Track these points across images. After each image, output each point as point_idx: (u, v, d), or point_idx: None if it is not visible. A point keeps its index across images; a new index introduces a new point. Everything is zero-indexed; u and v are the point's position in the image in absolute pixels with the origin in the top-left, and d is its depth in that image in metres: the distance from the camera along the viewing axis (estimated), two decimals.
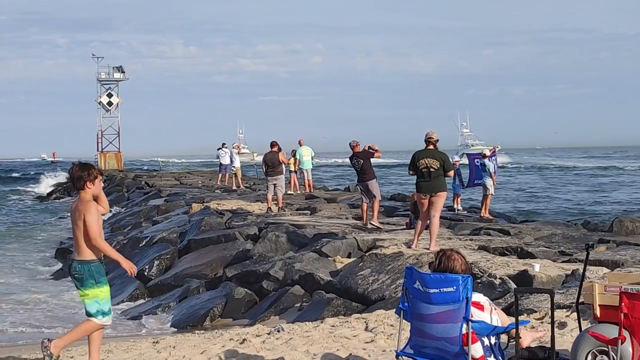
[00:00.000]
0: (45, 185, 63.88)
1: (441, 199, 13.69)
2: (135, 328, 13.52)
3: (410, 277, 5.90)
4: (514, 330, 5.91)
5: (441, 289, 5.65)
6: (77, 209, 7.34)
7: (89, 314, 7.51)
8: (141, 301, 15.78)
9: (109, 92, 70.82)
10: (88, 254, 7.35)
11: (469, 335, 5.60)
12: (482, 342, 5.78)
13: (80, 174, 7.40)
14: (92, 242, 7.28)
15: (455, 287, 5.61)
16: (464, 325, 5.61)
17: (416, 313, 5.83)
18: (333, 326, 9.61)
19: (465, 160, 24.38)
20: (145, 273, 17.19)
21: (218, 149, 36.84)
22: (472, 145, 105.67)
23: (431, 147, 13.70)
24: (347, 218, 20.12)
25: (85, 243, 7.31)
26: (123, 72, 71.46)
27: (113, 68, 71.13)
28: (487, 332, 5.74)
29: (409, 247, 13.62)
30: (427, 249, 13.17)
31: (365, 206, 17.57)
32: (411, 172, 13.93)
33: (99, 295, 7.44)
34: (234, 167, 35.01)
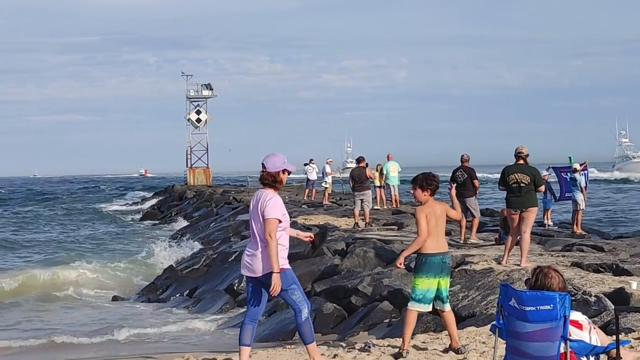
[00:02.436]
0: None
1: (532, 215, 13.46)
2: (225, 342, 13.68)
3: (505, 294, 5.82)
4: (614, 350, 5.76)
5: (538, 307, 5.55)
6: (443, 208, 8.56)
7: (442, 300, 8.69)
8: (231, 315, 15.96)
9: (198, 109, 72.03)
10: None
11: (567, 355, 5.49)
12: None
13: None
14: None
15: (552, 305, 5.50)
16: (562, 345, 5.50)
17: (512, 331, 5.74)
18: (423, 342, 9.55)
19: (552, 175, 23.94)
20: (235, 287, 17.39)
21: (305, 165, 37.06)
22: (633, 158, 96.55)
23: (521, 161, 13.50)
24: None
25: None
26: (211, 89, 72.62)
27: (201, 85, 72.36)
28: (586, 351, 5.62)
29: (499, 263, 13.42)
30: (518, 265, 12.95)
31: (464, 222, 17.33)
32: (501, 187, 13.74)
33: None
34: (325, 181, 35.14)
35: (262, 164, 7.97)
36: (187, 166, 72.74)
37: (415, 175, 8.71)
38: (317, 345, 10.08)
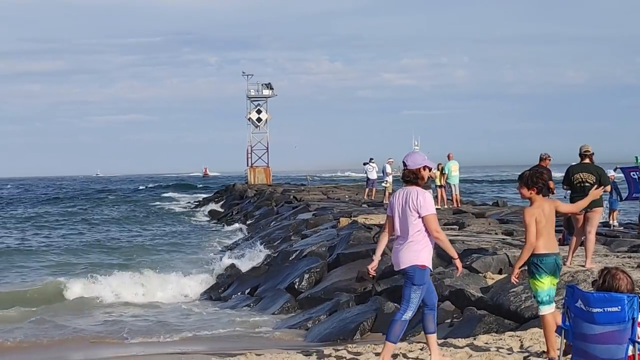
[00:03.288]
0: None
1: (597, 215, 13.25)
2: (288, 339, 13.77)
3: (571, 296, 5.76)
4: None
5: (605, 309, 5.48)
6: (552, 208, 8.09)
7: (543, 303, 8.12)
8: (292, 314, 16.06)
9: (258, 109, 72.55)
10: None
11: (635, 358, 5.40)
12: None
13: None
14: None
15: (620, 307, 5.43)
16: (631, 347, 5.42)
17: (578, 333, 5.68)
18: (486, 343, 9.48)
19: (620, 175, 23.47)
20: (296, 286, 17.48)
21: (365, 164, 37.08)
22: None
23: (587, 160, 13.31)
24: (496, 233, 19.78)
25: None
26: (272, 88, 73.10)
27: (262, 85, 72.90)
28: None
29: (564, 264, 13.23)
30: (583, 266, 12.77)
31: None
32: (565, 187, 13.55)
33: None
34: (386, 181, 35.12)
35: (403, 162, 8.26)
36: (247, 165, 73.34)
37: (522, 171, 8.33)
38: (379, 344, 10.11)
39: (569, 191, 13.75)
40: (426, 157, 8.32)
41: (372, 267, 8.54)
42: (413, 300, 8.13)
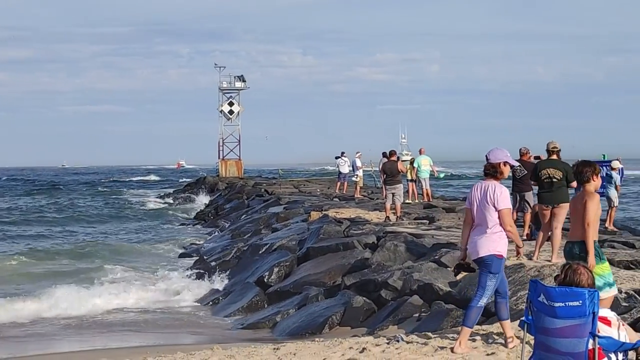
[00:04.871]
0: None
1: (563, 211, 13.37)
2: (254, 334, 13.79)
3: (534, 290, 5.82)
4: None
5: (567, 303, 5.55)
6: (582, 198, 8.37)
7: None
8: (260, 308, 16.06)
9: (231, 101, 72.31)
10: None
11: (595, 351, 5.48)
12: (609, 359, 5.64)
13: (584, 168, 8.50)
14: (583, 223, 8.27)
15: (581, 301, 5.50)
16: (591, 341, 5.50)
17: (540, 327, 5.75)
18: (453, 337, 9.54)
19: None
20: (265, 280, 17.49)
21: (336, 158, 37.14)
22: None
23: (554, 157, 13.43)
24: None
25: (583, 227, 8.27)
26: (244, 81, 72.84)
27: (234, 77, 72.63)
28: (614, 348, 5.61)
29: (530, 258, 13.36)
30: (549, 261, 12.90)
31: (514, 215, 17.06)
32: (533, 182, 13.67)
33: (604, 270, 8.33)
34: (356, 175, 35.17)
35: (486, 156, 8.64)
36: (219, 158, 73.11)
37: (584, 162, 8.73)
38: (347, 338, 10.15)
39: (536, 187, 13.88)
40: (508, 153, 8.71)
41: (463, 257, 8.98)
42: (489, 287, 8.50)
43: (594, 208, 8.27)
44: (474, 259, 8.67)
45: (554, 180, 13.11)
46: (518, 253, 9.40)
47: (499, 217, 8.43)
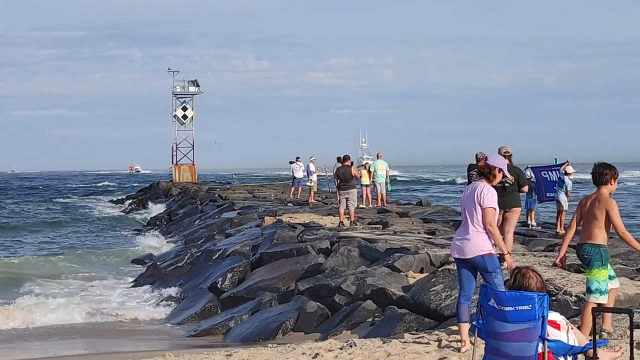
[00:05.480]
0: None
1: (515, 215, 13.51)
2: (207, 340, 13.68)
3: (485, 295, 5.84)
4: (592, 350, 5.80)
5: (517, 307, 5.58)
6: (597, 201, 8.47)
7: (588, 291, 8.56)
8: (214, 314, 15.94)
9: (184, 106, 71.97)
10: (600, 239, 8.47)
11: (544, 355, 5.52)
12: None
13: (604, 170, 8.55)
14: (618, 234, 8.40)
15: (531, 305, 5.54)
16: (540, 345, 5.53)
17: (491, 331, 5.77)
18: (405, 342, 9.56)
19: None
20: (218, 286, 17.37)
21: (291, 163, 37.09)
22: None
23: (506, 161, 13.57)
24: (419, 233, 20.00)
25: (596, 230, 8.44)
26: (198, 85, 72.59)
27: (188, 82, 72.34)
28: (563, 351, 5.65)
29: None
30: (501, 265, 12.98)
31: None
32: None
33: (601, 276, 8.47)
34: (310, 179, 35.14)
35: (486, 156, 9.09)
36: (172, 163, 72.65)
37: (603, 164, 8.71)
38: (300, 343, 10.11)
39: None
40: (506, 164, 9.01)
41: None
42: (497, 282, 8.59)
43: (617, 215, 8.40)
44: (461, 258, 8.85)
45: (507, 185, 13.23)
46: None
47: (481, 216, 8.65)
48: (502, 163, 8.87)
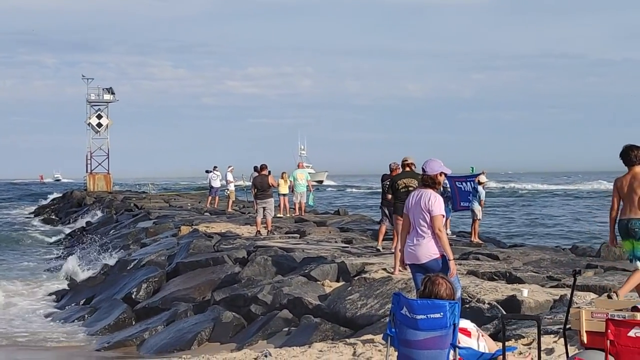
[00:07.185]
0: None
1: None
2: (121, 352, 13.43)
3: (397, 303, 5.89)
4: (501, 356, 5.89)
5: (428, 315, 5.64)
6: (635, 179, 9.38)
7: (638, 259, 9.40)
8: (128, 325, 15.67)
9: (99, 114, 70.77)
10: None
11: None
12: None
13: (633, 152, 9.42)
14: None
15: (442, 314, 5.60)
16: (451, 352, 5.60)
17: (403, 339, 5.82)
18: (321, 351, 9.56)
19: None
20: (133, 296, 17.09)
21: (207, 172, 36.83)
22: None
23: (408, 169, 14.00)
24: (336, 242, 20.08)
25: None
26: (113, 93, 71.45)
27: (103, 89, 71.14)
28: (474, 358, 5.73)
29: (392, 273, 13.50)
30: None
31: (384, 229, 17.37)
32: (390, 195, 14.15)
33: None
34: (228, 189, 34.94)
35: (423, 168, 9.23)
36: (87, 171, 71.33)
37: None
38: (215, 354, 10.01)
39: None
40: (442, 163, 9.26)
41: (402, 259, 9.40)
42: (453, 280, 8.60)
43: None
44: (415, 263, 9.11)
45: (410, 189, 13.40)
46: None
47: (431, 222, 8.95)
48: (438, 166, 9.15)
